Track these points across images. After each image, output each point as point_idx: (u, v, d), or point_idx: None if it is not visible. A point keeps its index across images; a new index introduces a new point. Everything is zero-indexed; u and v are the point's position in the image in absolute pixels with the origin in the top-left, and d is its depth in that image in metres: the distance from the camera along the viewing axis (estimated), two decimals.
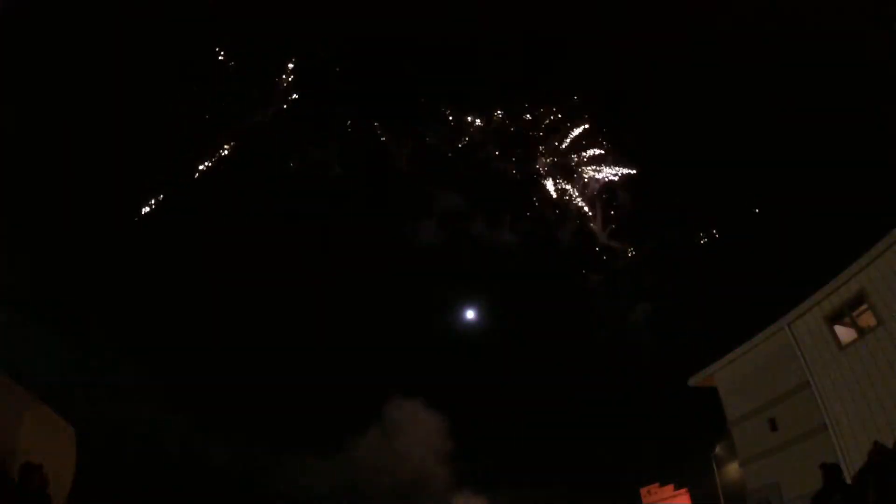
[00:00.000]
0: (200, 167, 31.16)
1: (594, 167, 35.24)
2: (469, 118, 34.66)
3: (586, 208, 35.76)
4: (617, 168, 34.96)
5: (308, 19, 31.72)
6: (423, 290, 35.98)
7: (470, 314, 38.03)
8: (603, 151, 35.33)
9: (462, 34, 33.17)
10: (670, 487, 27.36)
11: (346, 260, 35.71)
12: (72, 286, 27.55)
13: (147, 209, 31.45)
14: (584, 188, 35.30)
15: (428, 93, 34.19)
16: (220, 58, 30.68)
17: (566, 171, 35.58)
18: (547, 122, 35.21)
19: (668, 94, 34.24)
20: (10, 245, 25.31)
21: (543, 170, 35.47)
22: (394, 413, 33.59)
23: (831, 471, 7.23)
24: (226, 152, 31.92)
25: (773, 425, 17.09)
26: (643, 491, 28.44)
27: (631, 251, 35.89)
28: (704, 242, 33.86)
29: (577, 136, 35.24)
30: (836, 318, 15.39)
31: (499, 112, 34.40)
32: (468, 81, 34.32)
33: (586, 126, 35.27)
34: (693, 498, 26.39)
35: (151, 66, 29.07)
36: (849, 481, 7.96)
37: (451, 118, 34.11)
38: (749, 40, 32.03)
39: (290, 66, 32.35)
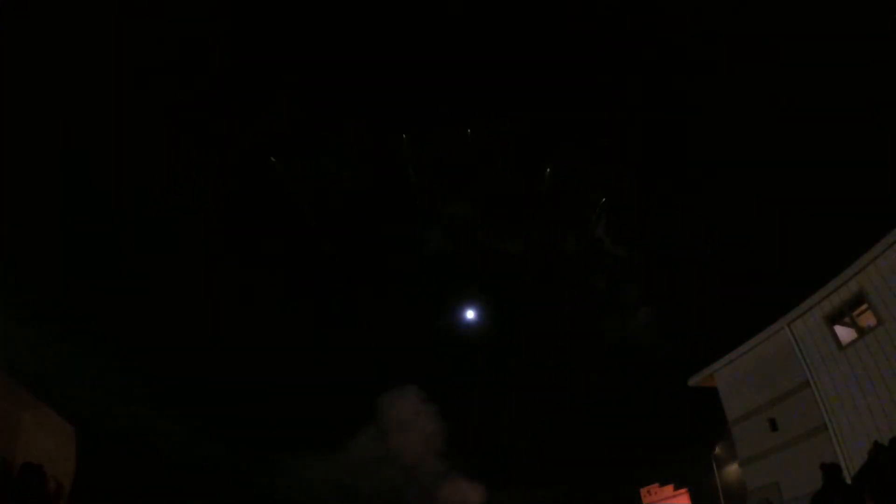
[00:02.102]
0: (206, 170, 31.21)
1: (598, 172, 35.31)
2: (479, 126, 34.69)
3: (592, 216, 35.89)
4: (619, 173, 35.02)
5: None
6: (428, 292, 36.08)
7: (473, 315, 38.11)
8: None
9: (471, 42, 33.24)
10: (670, 487, 27.41)
11: (349, 263, 35.77)
12: (72, 286, 27.55)
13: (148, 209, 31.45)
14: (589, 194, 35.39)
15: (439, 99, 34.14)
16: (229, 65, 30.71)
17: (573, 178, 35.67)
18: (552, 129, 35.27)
19: (668, 96, 34.26)
20: (10, 245, 25.30)
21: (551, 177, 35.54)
22: (394, 412, 33.67)
23: (831, 471, 7.23)
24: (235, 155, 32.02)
25: (773, 425, 17.09)
26: (643, 491, 28.48)
27: (633, 255, 35.93)
28: (705, 242, 33.86)
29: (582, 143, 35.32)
30: (836, 318, 15.39)
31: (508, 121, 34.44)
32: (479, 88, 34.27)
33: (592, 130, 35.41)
34: (693, 498, 26.42)
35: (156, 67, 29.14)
36: (849, 481, 7.96)
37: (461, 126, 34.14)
38: (747, 39, 32.02)
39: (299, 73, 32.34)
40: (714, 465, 24.04)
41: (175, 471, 25.91)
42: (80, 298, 27.45)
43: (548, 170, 34.86)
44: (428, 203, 35.70)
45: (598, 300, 37.18)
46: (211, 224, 32.24)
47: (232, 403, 30.83)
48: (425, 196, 35.06)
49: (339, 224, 34.97)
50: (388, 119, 32.99)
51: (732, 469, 22.69)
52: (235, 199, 33.97)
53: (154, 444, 25.86)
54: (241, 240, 33.97)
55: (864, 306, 14.52)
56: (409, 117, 33.10)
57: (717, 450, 24.16)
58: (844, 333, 15.26)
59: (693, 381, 20.82)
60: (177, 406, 28.31)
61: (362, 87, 33.20)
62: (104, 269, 29.87)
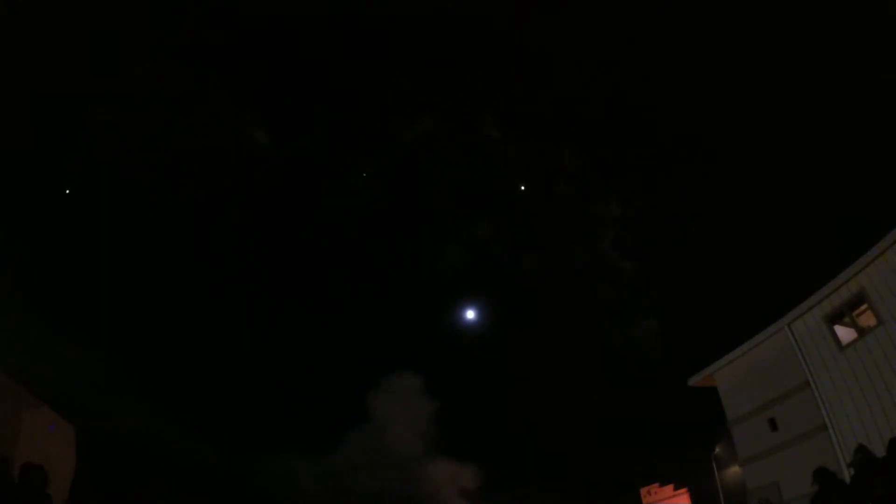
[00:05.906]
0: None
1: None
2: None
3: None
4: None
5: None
6: (441, 298, 36.21)
7: (477, 317, 38.29)
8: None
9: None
10: (670, 487, 27.39)
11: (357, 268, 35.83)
12: (73, 287, 27.60)
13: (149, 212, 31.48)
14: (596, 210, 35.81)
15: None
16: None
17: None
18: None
19: (667, 98, 34.26)
20: (10, 245, 25.33)
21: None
22: (393, 403, 33.75)
23: (825, 477, 7.21)
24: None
25: (773, 425, 17.06)
26: (643, 491, 28.47)
27: (637, 265, 36.16)
28: (705, 242, 33.92)
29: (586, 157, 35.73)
30: (836, 318, 15.35)
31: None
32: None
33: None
34: (693, 498, 26.41)
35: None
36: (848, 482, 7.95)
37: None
38: (746, 37, 31.99)
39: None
40: (714, 465, 24.02)
41: (174, 470, 25.94)
42: (81, 299, 27.50)
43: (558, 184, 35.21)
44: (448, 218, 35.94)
45: (603, 305, 37.29)
46: (210, 224, 32.25)
47: (231, 404, 30.89)
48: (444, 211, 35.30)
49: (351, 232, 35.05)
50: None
51: (732, 469, 22.67)
52: (234, 200, 34.01)
53: (151, 444, 25.91)
54: (241, 241, 33.98)
55: (864, 306, 14.48)
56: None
57: (717, 450, 24.14)
58: (844, 333, 15.22)
59: (693, 381, 20.80)
60: (174, 407, 28.37)
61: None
62: (105, 269, 29.92)
